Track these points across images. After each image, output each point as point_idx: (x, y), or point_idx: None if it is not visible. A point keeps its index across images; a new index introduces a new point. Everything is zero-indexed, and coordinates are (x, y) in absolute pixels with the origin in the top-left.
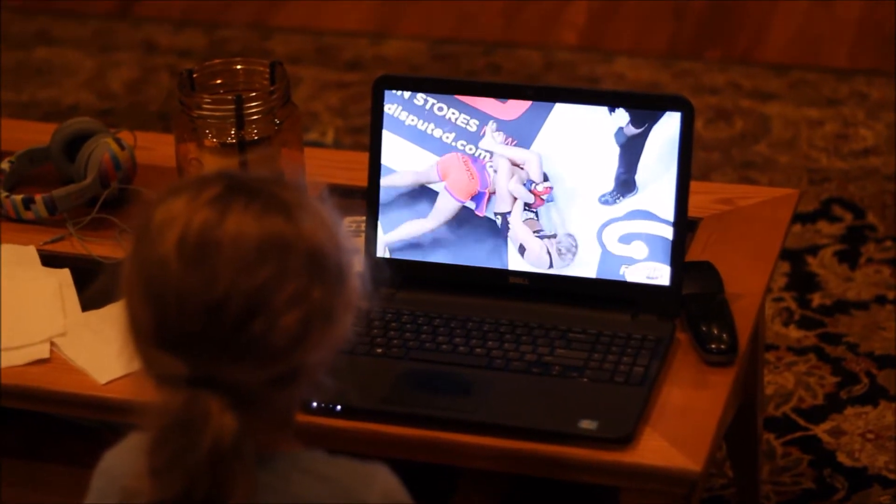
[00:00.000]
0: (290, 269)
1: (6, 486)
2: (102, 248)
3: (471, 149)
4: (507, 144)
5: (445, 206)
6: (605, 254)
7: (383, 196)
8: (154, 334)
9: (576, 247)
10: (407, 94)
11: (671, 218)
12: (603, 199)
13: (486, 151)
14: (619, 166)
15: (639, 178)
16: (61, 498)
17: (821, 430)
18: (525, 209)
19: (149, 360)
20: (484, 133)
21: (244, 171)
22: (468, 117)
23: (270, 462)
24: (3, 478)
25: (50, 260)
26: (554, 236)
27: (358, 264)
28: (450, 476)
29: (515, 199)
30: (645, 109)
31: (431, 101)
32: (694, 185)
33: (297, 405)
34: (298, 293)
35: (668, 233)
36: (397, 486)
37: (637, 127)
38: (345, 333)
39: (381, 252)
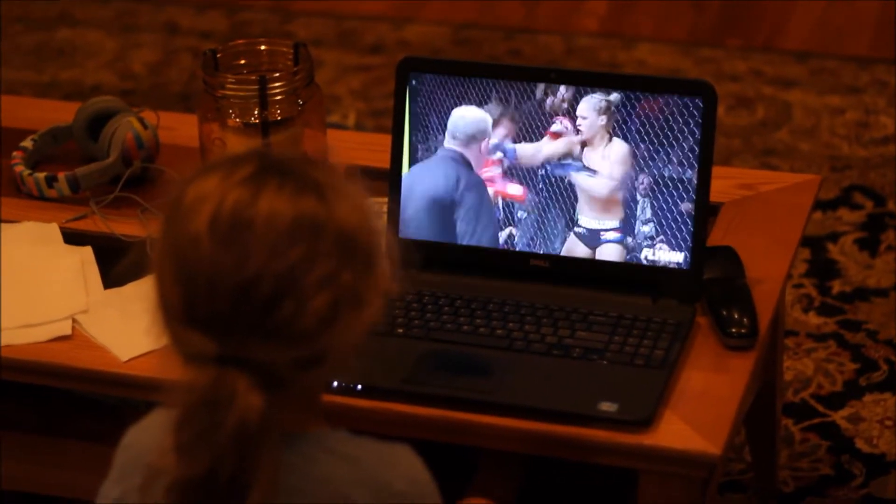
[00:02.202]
0: (321, 251)
1: (27, 462)
2: (125, 227)
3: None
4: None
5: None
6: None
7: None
8: (183, 312)
9: None
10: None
11: (692, 203)
12: None
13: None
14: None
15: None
16: (82, 474)
17: (839, 417)
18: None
19: (177, 337)
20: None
21: (278, 150)
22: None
23: (296, 442)
24: (25, 454)
25: (72, 238)
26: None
27: (387, 247)
28: (470, 456)
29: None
30: (667, 94)
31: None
32: (715, 171)
33: (324, 387)
34: (328, 275)
35: (689, 217)
36: (421, 466)
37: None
38: (374, 317)
39: (403, 233)
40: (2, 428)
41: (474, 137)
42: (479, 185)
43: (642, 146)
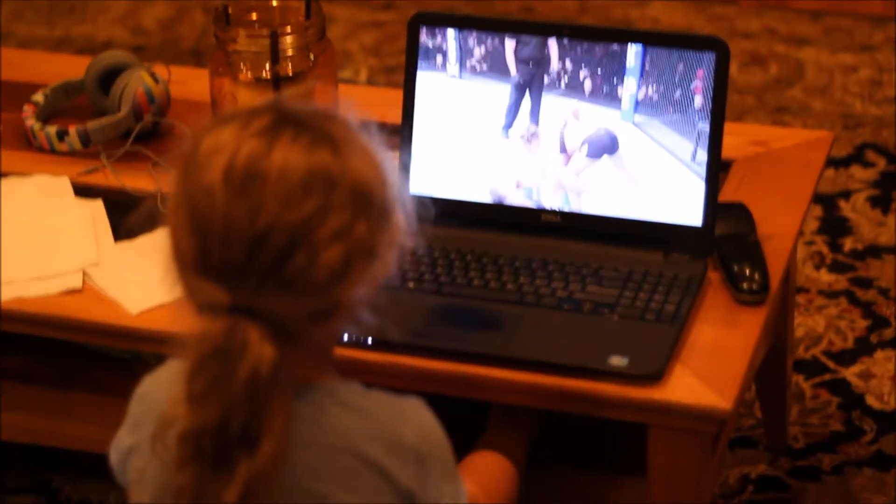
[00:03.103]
0: (335, 204)
1: (39, 415)
2: (135, 181)
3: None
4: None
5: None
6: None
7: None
8: (197, 262)
9: None
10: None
11: (705, 159)
12: None
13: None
14: None
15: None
16: (93, 427)
17: (850, 373)
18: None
19: (190, 288)
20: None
21: (294, 103)
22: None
23: (307, 393)
24: (36, 407)
25: (83, 191)
26: None
27: (402, 201)
28: (481, 410)
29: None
30: (679, 49)
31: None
32: (728, 127)
33: (337, 339)
34: (342, 228)
35: (701, 173)
36: (432, 420)
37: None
38: (387, 270)
39: (415, 188)
40: (14, 381)
41: None
42: None
43: (655, 100)
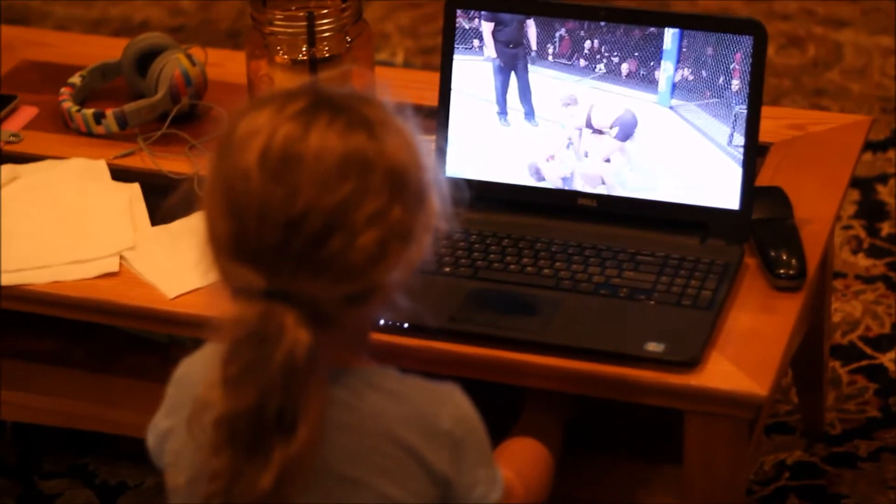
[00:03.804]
0: (371, 188)
1: (75, 399)
2: (172, 164)
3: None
4: None
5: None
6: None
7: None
8: (232, 246)
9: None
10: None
11: (742, 142)
12: None
13: None
14: None
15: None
16: (130, 412)
17: (887, 359)
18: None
19: (226, 272)
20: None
21: (330, 86)
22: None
23: (343, 377)
24: (73, 391)
25: (120, 174)
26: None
27: (438, 184)
28: (517, 395)
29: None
30: (717, 32)
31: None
32: (765, 111)
33: (372, 324)
34: (378, 212)
35: (738, 157)
36: (468, 406)
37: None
38: (423, 254)
39: (451, 171)
40: (50, 365)
41: None
42: None
43: (692, 84)
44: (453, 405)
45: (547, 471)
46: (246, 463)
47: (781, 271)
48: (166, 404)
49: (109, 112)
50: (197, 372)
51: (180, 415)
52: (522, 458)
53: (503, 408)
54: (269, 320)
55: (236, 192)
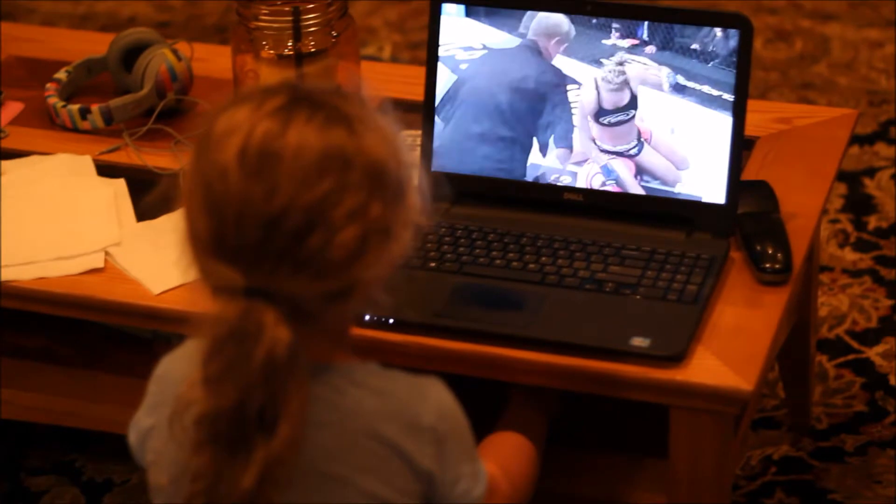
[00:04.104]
0: (350, 184)
1: (59, 395)
2: (158, 159)
3: None
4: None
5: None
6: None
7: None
8: (212, 244)
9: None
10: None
11: (728, 136)
12: None
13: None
14: None
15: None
16: (115, 407)
17: (874, 353)
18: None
19: (206, 270)
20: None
21: (309, 82)
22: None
23: (324, 374)
24: (57, 387)
25: (106, 170)
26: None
27: (417, 180)
28: (501, 390)
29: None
30: (703, 26)
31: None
32: (751, 104)
33: (353, 320)
34: (357, 208)
35: (724, 150)
36: (451, 400)
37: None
38: (403, 250)
39: (436, 166)
40: (35, 361)
41: None
42: None
43: (678, 78)
44: (436, 400)
45: (532, 465)
46: (227, 461)
47: (767, 265)
48: (148, 402)
49: (95, 107)
50: (178, 369)
51: (162, 413)
52: (507, 453)
53: (488, 401)
54: (249, 318)
55: (215, 189)
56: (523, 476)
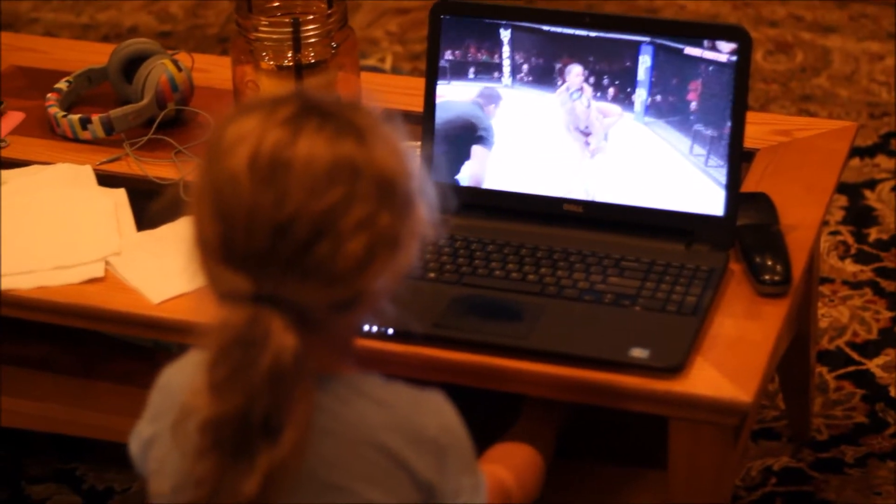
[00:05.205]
0: (359, 194)
1: (60, 404)
2: (158, 169)
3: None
4: None
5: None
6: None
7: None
8: (220, 251)
9: None
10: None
11: (727, 148)
12: None
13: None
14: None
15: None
16: (115, 416)
17: (874, 365)
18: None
19: (213, 276)
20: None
21: (320, 92)
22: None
23: (329, 384)
24: (57, 396)
25: (106, 180)
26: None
27: (426, 191)
28: (504, 402)
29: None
30: (702, 39)
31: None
32: (751, 116)
33: (358, 330)
34: (366, 218)
35: (723, 163)
36: (453, 414)
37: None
38: (410, 261)
39: (438, 177)
40: (36, 370)
41: None
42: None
43: (677, 91)
44: (438, 413)
45: (539, 475)
46: (231, 468)
47: (766, 277)
48: (149, 411)
49: (95, 117)
50: (180, 379)
51: (164, 421)
52: (519, 461)
53: (497, 413)
54: (256, 325)
55: (225, 196)
56: (530, 485)
